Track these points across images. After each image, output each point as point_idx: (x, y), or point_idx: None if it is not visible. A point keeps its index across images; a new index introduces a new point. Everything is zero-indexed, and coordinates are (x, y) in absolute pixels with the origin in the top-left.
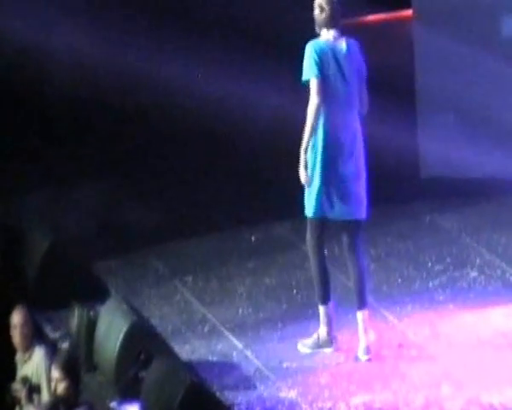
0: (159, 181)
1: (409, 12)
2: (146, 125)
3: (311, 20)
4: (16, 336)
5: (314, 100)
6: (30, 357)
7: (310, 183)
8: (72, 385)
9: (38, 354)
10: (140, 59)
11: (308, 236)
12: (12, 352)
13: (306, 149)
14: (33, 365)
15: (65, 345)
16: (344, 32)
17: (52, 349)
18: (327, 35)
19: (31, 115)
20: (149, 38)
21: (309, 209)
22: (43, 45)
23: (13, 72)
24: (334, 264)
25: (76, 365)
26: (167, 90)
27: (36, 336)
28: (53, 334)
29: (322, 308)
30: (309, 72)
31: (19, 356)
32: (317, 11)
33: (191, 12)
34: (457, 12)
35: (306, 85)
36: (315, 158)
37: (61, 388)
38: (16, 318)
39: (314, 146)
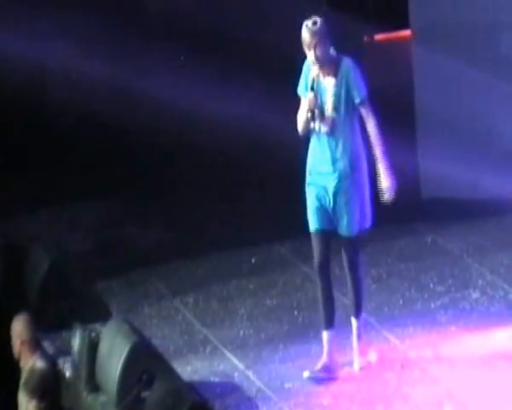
0: (160, 201)
1: (407, 32)
2: (146, 144)
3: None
4: (17, 344)
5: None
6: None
7: (307, 197)
8: (42, 404)
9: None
10: (138, 77)
11: (313, 255)
12: (15, 363)
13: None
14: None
15: (67, 366)
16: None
17: (52, 367)
18: (309, 56)
19: (31, 134)
20: (147, 56)
21: (309, 224)
22: (41, 65)
23: (12, 90)
24: (336, 284)
25: (48, 385)
26: (167, 110)
27: (38, 349)
28: (54, 354)
29: (324, 334)
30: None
31: (22, 365)
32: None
33: (188, 30)
34: (457, 31)
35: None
36: (309, 173)
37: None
38: (16, 325)
39: (308, 161)
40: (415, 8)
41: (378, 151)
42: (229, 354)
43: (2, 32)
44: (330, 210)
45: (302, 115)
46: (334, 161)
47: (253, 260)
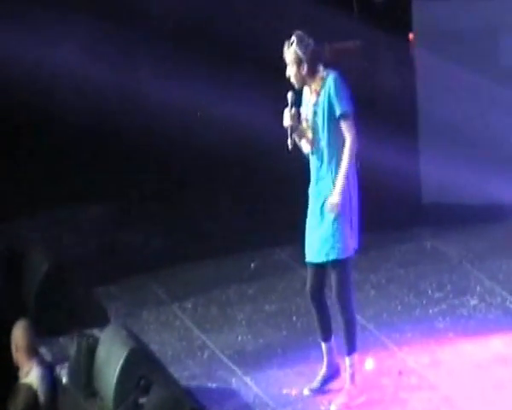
0: (160, 206)
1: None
2: (147, 149)
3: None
4: (16, 349)
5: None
6: (28, 373)
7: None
8: None
9: (35, 373)
10: (139, 81)
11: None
12: (14, 370)
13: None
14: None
15: (64, 372)
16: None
17: (49, 374)
18: None
19: (31, 139)
20: (150, 61)
21: None
22: (45, 69)
23: (12, 94)
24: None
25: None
26: (168, 115)
27: (36, 356)
28: (52, 360)
29: (323, 345)
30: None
31: (21, 372)
32: None
33: (191, 35)
34: (459, 36)
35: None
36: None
37: None
38: (15, 330)
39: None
40: (417, 14)
41: (342, 168)
42: (226, 360)
43: (5, 34)
44: (318, 234)
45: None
46: (317, 180)
47: (252, 266)
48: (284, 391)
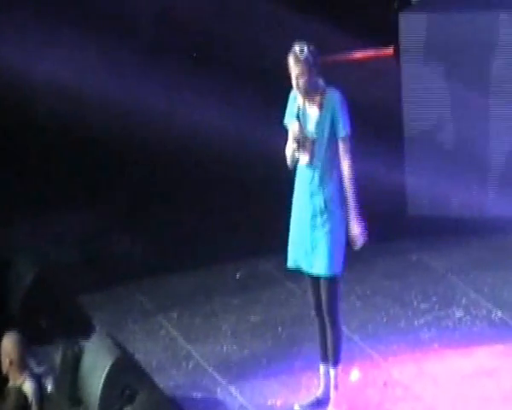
0: (145, 215)
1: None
2: (132, 157)
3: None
4: (6, 362)
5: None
6: (20, 387)
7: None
8: None
9: (28, 387)
10: (125, 87)
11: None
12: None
13: None
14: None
15: (49, 380)
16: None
17: (40, 387)
18: (293, 84)
19: (15, 145)
20: (136, 68)
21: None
22: (28, 76)
23: None
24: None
25: None
26: (154, 121)
27: (27, 369)
28: (37, 369)
29: (321, 367)
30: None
31: (10, 384)
32: None
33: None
34: (445, 49)
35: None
36: (293, 207)
37: None
38: (6, 343)
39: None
40: (404, 25)
41: (349, 194)
42: (211, 370)
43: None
44: (308, 248)
45: (289, 146)
46: (311, 194)
47: (237, 276)
48: (269, 402)
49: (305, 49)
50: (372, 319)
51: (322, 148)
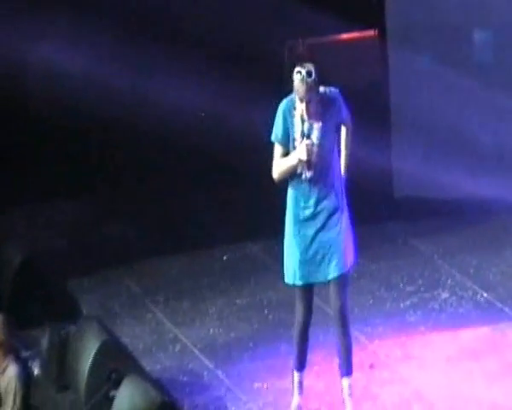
0: (132, 200)
1: (371, 32)
2: (121, 144)
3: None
4: None
5: None
6: (4, 371)
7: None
8: None
9: (12, 371)
10: (118, 76)
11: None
12: None
13: None
14: (5, 379)
15: (35, 364)
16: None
17: (25, 370)
18: (301, 107)
19: (6, 133)
20: (130, 56)
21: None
22: (23, 63)
23: None
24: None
25: None
26: (141, 108)
27: (13, 351)
28: (24, 353)
29: (295, 375)
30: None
31: None
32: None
33: (176, 31)
34: (431, 32)
35: None
36: (293, 224)
37: None
38: None
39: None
40: (390, 9)
41: (348, 150)
42: (198, 353)
43: None
44: (317, 257)
45: (288, 164)
46: (318, 201)
47: (224, 258)
48: (255, 385)
49: (312, 70)
50: (358, 301)
51: (325, 155)
